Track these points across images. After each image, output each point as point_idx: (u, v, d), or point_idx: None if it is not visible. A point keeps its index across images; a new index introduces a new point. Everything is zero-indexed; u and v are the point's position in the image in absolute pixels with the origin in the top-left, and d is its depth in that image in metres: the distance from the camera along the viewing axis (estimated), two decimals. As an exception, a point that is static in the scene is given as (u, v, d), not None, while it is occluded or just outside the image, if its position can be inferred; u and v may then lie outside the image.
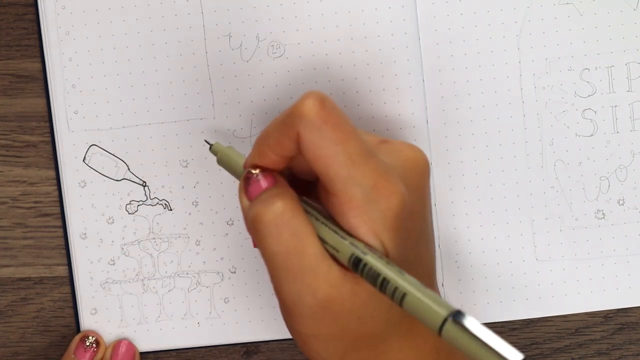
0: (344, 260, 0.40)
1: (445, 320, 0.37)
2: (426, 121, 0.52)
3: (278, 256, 0.40)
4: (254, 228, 0.41)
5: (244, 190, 0.42)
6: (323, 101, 0.39)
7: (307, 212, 0.41)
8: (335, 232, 0.40)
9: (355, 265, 0.39)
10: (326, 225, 0.41)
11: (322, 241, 0.40)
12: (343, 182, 0.39)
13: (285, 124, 0.40)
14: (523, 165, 0.52)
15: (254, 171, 0.42)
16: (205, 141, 0.49)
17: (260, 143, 0.41)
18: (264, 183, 0.41)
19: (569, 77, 0.52)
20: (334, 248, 0.40)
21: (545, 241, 0.52)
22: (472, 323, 0.36)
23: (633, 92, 0.52)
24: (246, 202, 0.42)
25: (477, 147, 0.52)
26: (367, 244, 0.40)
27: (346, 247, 0.40)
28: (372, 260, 0.39)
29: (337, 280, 0.40)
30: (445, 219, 0.52)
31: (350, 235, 0.40)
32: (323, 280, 0.40)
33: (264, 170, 0.42)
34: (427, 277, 0.44)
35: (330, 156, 0.39)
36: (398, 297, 0.38)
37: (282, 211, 0.40)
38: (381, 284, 0.39)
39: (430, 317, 0.37)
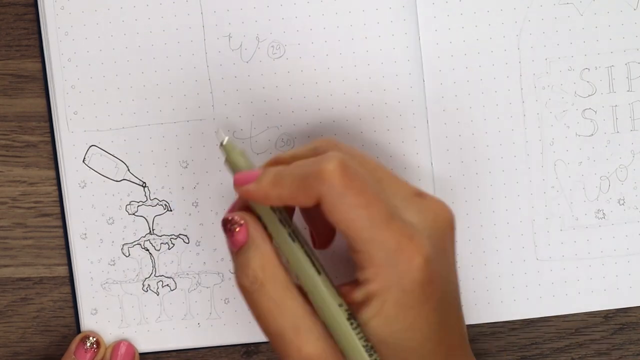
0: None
1: None
2: (427, 121, 0.52)
3: (259, 319, 0.42)
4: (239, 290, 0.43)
5: (227, 241, 0.43)
6: (345, 166, 0.40)
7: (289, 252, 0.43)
8: (325, 289, 0.42)
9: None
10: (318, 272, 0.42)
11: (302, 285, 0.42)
12: (365, 244, 0.40)
13: (306, 184, 0.41)
14: (523, 165, 0.52)
15: (233, 220, 0.43)
16: (217, 133, 0.45)
17: (271, 187, 0.42)
18: (241, 237, 0.43)
19: (569, 77, 0.52)
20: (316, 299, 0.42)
21: (546, 241, 0.52)
22: None
23: (633, 92, 0.52)
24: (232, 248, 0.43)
25: (477, 147, 0.52)
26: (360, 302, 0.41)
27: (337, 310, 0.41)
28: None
29: (321, 333, 0.41)
30: (445, 219, 0.52)
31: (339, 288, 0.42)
32: (305, 337, 0.41)
33: (240, 216, 0.43)
34: (454, 347, 0.43)
35: (353, 219, 0.40)
36: None
37: (256, 278, 0.42)
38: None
39: None
